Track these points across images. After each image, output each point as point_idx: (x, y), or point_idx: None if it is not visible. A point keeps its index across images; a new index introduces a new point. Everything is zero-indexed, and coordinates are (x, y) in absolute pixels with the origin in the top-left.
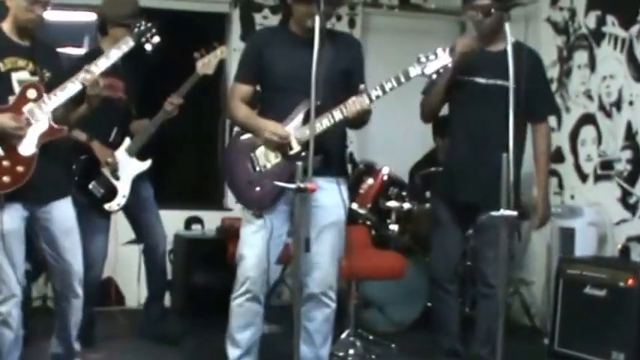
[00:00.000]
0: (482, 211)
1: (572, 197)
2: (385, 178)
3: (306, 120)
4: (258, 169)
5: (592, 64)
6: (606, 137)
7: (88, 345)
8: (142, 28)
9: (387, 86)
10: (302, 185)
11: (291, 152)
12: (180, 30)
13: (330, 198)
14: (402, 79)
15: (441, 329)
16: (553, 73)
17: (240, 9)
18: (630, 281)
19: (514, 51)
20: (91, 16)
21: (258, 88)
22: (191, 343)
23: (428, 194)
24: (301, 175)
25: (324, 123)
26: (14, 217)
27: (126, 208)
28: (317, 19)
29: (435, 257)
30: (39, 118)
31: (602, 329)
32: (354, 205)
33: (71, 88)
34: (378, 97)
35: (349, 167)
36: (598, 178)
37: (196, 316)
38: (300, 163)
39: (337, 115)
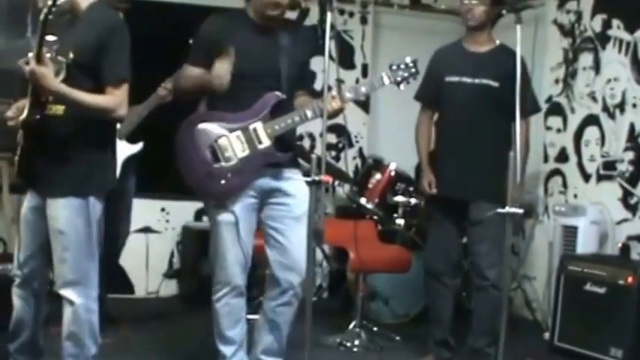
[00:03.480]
0: (472, 205)
1: (576, 196)
2: (392, 173)
3: (273, 114)
4: (222, 160)
5: (597, 67)
6: (609, 138)
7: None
8: None
9: (362, 90)
10: (317, 178)
11: (261, 146)
12: (181, 21)
13: (301, 189)
14: (376, 86)
15: (435, 320)
16: (559, 74)
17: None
18: (630, 279)
19: (499, 53)
20: None
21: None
22: (199, 330)
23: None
24: (315, 168)
25: (295, 119)
26: (25, 203)
27: (116, 194)
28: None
29: (431, 251)
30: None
31: (601, 326)
32: (362, 200)
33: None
34: (351, 99)
35: (359, 162)
36: (600, 178)
37: (205, 304)
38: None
39: (309, 113)
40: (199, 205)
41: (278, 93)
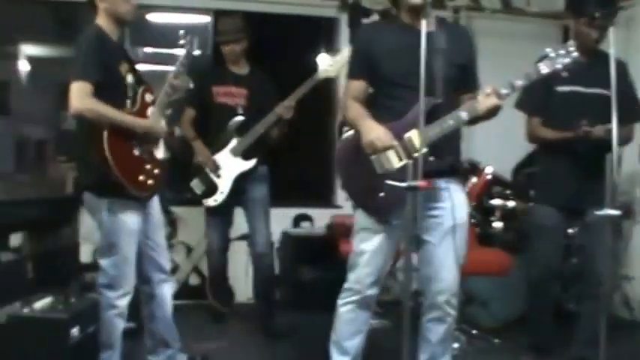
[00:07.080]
0: (589, 211)
1: None
2: (489, 177)
3: (429, 120)
4: (380, 173)
5: None
6: None
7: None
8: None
9: (517, 84)
10: (414, 183)
11: (417, 154)
12: (289, 35)
13: (456, 199)
14: (533, 76)
15: (534, 325)
16: None
17: (349, 13)
18: None
19: (605, 60)
20: (203, 19)
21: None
22: (298, 336)
23: (531, 193)
24: (412, 172)
25: (450, 123)
26: (132, 216)
27: (244, 207)
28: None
29: (537, 260)
30: (159, 121)
31: None
32: None
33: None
34: (507, 94)
35: None
36: None
37: (303, 310)
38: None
39: (464, 114)
40: (299, 211)
41: (432, 98)
